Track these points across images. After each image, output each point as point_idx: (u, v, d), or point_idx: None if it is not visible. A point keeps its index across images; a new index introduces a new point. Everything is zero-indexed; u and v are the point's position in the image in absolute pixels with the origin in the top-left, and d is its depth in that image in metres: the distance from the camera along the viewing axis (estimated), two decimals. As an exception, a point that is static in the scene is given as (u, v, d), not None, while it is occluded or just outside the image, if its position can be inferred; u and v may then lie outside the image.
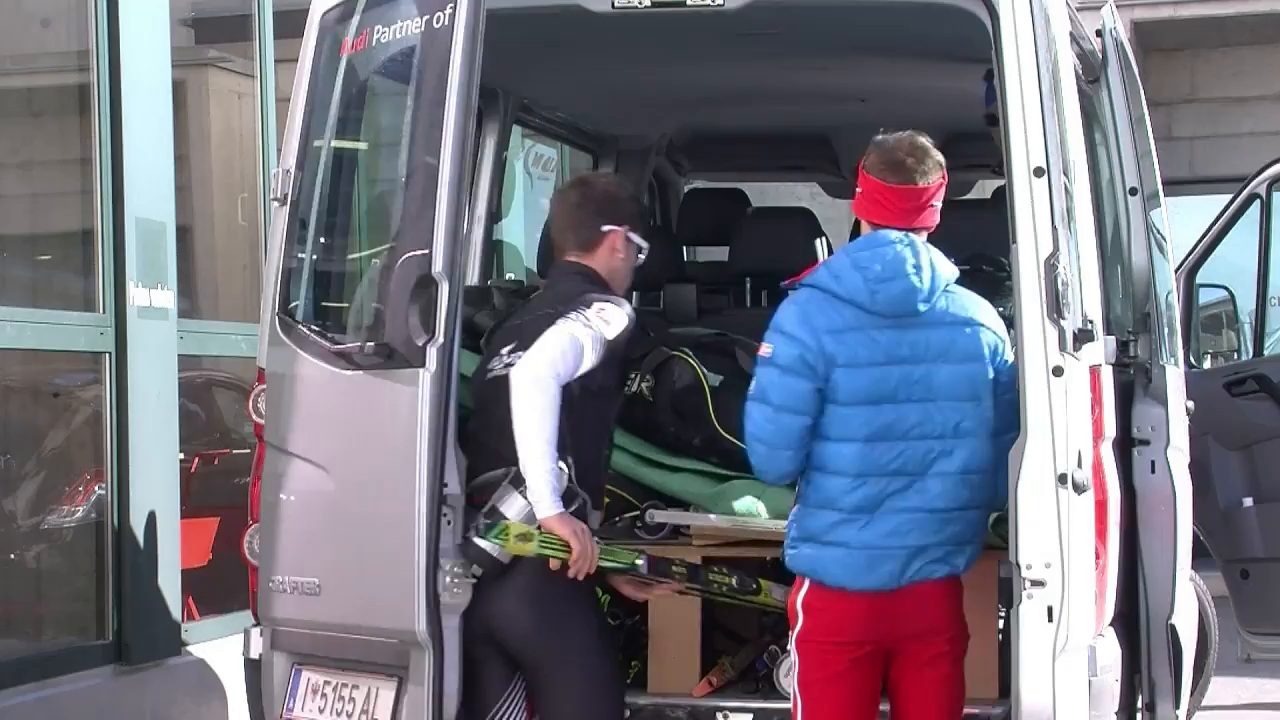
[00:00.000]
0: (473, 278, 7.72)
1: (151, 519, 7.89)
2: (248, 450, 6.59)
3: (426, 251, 5.39)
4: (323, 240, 5.97)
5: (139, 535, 7.82)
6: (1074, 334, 5.25)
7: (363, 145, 6.27)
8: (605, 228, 5.52)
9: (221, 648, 8.04)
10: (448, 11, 5.46)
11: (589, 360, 5.22)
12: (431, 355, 5.36)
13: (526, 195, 13.19)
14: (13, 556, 8.33)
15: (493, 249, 8.03)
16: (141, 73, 7.97)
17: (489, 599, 5.32)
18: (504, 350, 5.47)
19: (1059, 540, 5.20)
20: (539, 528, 5.14)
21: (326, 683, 5.62)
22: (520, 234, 12.52)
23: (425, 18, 5.55)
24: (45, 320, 7.73)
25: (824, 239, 7.83)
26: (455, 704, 5.38)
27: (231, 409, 9.79)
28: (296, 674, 5.69)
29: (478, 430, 5.46)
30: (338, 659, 5.61)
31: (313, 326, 5.81)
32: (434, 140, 5.43)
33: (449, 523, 5.35)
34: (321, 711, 5.60)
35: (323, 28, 5.94)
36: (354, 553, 5.56)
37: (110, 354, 7.81)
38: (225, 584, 8.31)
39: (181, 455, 8.26)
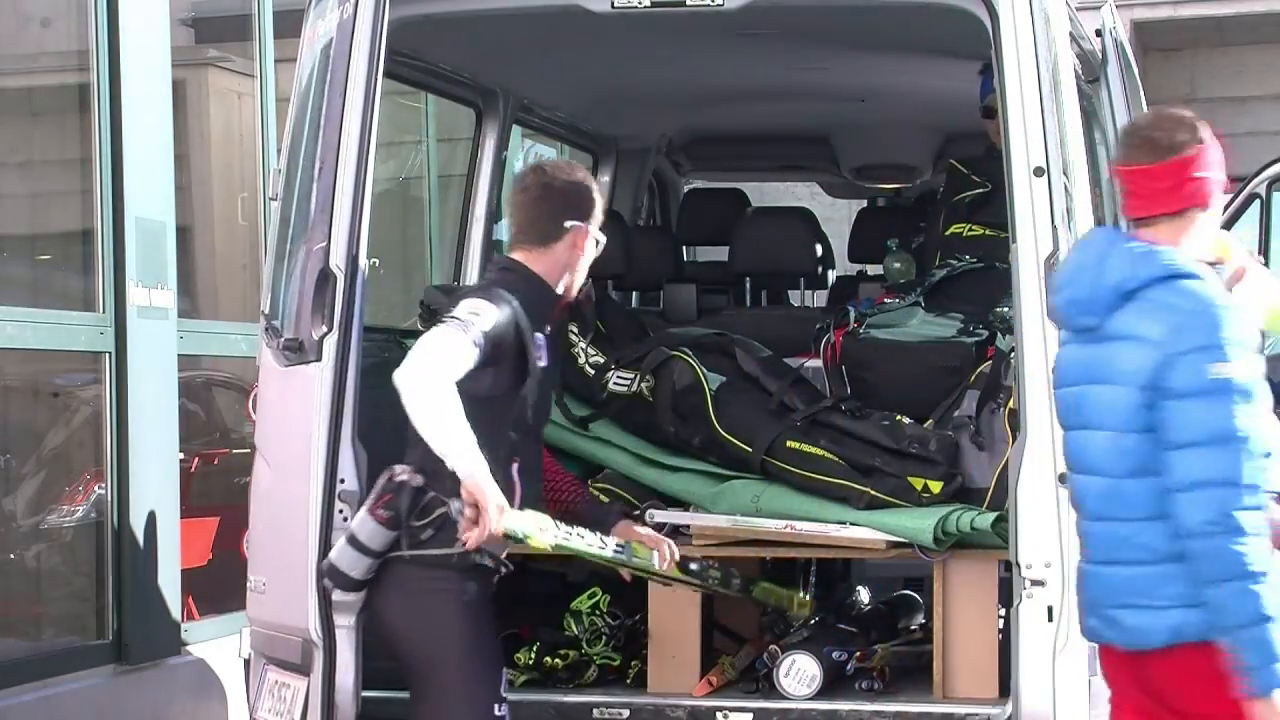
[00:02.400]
0: (473, 278, 7.73)
1: (151, 519, 7.88)
2: (248, 450, 6.59)
3: (325, 244, 5.40)
4: (289, 238, 5.98)
5: (139, 535, 7.82)
6: (1074, 334, 5.25)
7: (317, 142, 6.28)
8: (569, 223, 5.13)
9: (221, 648, 8.03)
10: (351, 3, 5.46)
11: (470, 358, 4.78)
12: (326, 349, 5.34)
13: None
14: (13, 556, 8.33)
15: (492, 249, 8.03)
16: (141, 73, 7.97)
17: (369, 602, 5.14)
18: None
19: (1059, 540, 5.19)
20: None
21: (276, 681, 5.60)
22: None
23: (341, 8, 5.56)
24: (45, 320, 7.72)
25: (824, 239, 7.85)
26: (352, 702, 5.32)
27: (231, 409, 9.79)
28: (264, 673, 5.68)
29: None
30: (277, 658, 5.60)
31: (273, 323, 5.81)
32: (333, 132, 5.43)
33: (345, 519, 5.28)
34: (270, 711, 5.59)
35: (306, 25, 5.96)
36: (282, 551, 5.53)
37: (110, 354, 7.81)
38: (225, 584, 8.30)
39: (181, 455, 8.26)
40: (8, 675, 7.24)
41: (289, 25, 8.65)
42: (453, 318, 4.80)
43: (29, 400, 8.56)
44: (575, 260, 5.16)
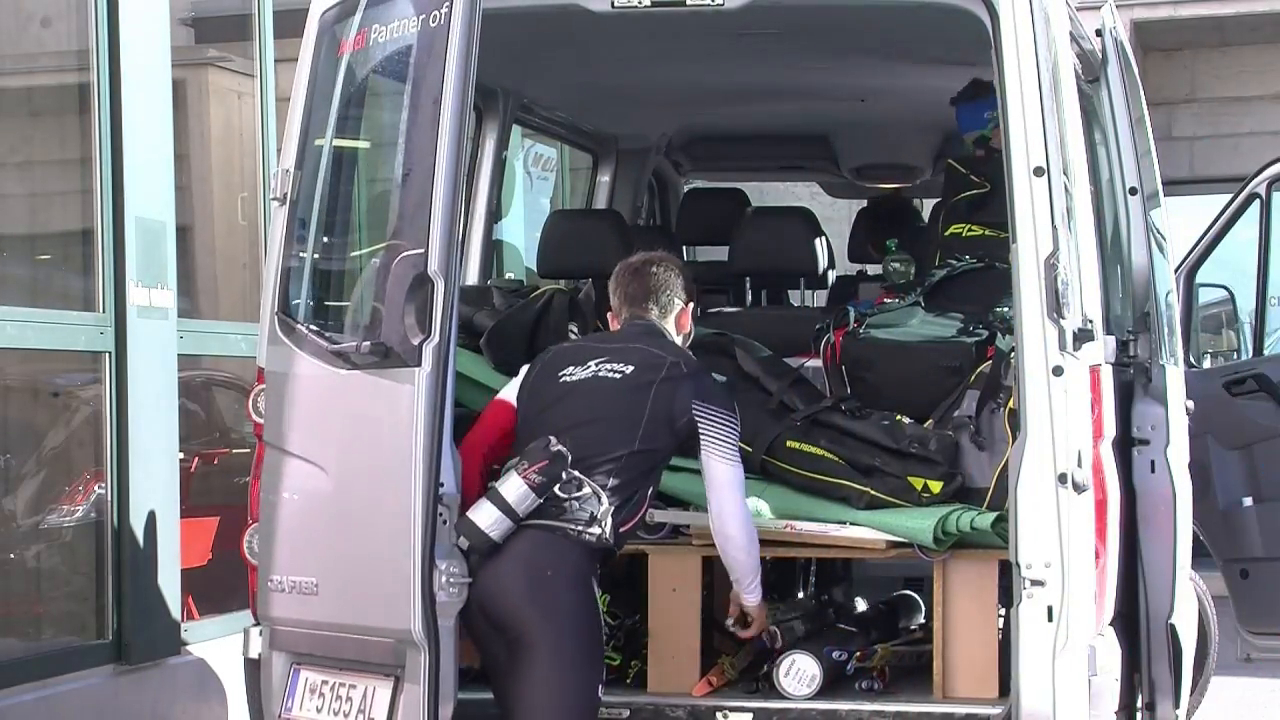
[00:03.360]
0: (472, 277, 7.72)
1: (151, 519, 7.89)
2: (248, 450, 6.59)
3: (422, 251, 5.37)
4: (322, 239, 5.96)
5: (139, 535, 7.82)
6: (1074, 333, 5.25)
7: (361, 144, 6.27)
8: (680, 302, 5.84)
9: (221, 648, 8.04)
10: (444, 10, 5.44)
11: None
12: (427, 354, 5.34)
13: (526, 195, 13.19)
14: (13, 556, 8.33)
15: (492, 249, 8.03)
16: (141, 72, 7.97)
17: (484, 569, 5.35)
18: (592, 362, 5.64)
19: (1059, 540, 5.19)
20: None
21: (324, 682, 5.61)
22: (520, 234, 12.52)
23: (421, 16, 5.54)
24: (45, 320, 7.72)
25: (823, 238, 7.85)
26: (451, 704, 5.37)
27: (231, 409, 9.79)
28: (295, 673, 5.69)
29: (534, 426, 5.54)
30: (335, 658, 5.61)
31: (311, 326, 5.80)
32: (429, 139, 5.41)
33: (444, 522, 5.34)
34: (319, 711, 5.59)
35: (321, 27, 5.94)
36: (351, 552, 5.56)
37: (110, 354, 7.81)
38: (225, 584, 8.31)
39: (181, 455, 8.26)
40: (8, 675, 7.25)
41: (289, 25, 8.65)
42: (735, 440, 5.60)
43: (29, 400, 8.56)
44: (680, 333, 5.85)
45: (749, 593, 5.75)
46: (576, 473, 5.39)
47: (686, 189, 9.57)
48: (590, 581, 5.43)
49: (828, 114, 8.35)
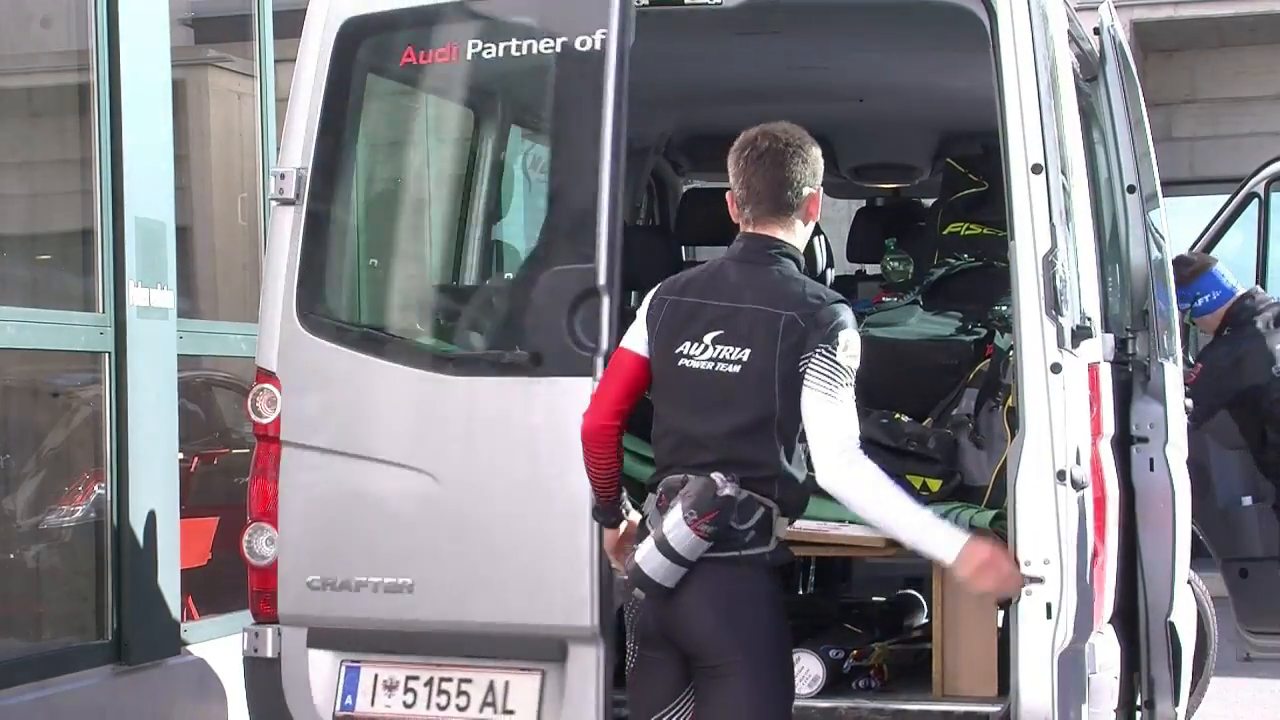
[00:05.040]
0: (471, 278, 7.73)
1: (151, 519, 7.89)
2: (247, 450, 6.58)
3: (589, 265, 5.53)
4: (372, 245, 6.03)
5: (139, 535, 7.82)
6: (1072, 331, 5.26)
7: (447, 157, 6.35)
8: (807, 190, 4.88)
9: (221, 648, 8.04)
10: (597, 36, 5.60)
11: None
12: (598, 365, 5.48)
13: (526, 196, 13.19)
14: (13, 556, 8.33)
15: (492, 249, 8.04)
16: (141, 73, 7.97)
17: (668, 600, 4.90)
18: (708, 338, 4.93)
19: (1058, 537, 5.20)
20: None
21: (412, 677, 5.69)
22: (520, 234, 12.52)
23: (563, 40, 5.69)
24: (45, 320, 7.72)
25: (822, 238, 7.85)
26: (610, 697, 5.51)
27: (231, 409, 9.79)
28: (351, 670, 5.74)
29: (666, 424, 5.00)
30: (433, 653, 5.69)
31: (390, 331, 5.86)
32: (587, 159, 5.56)
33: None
34: (409, 706, 5.68)
35: (342, 33, 5.95)
36: (464, 551, 5.65)
37: (110, 354, 7.81)
38: (225, 584, 8.31)
39: (181, 455, 8.26)
40: (8, 675, 7.25)
41: (289, 25, 8.65)
42: (841, 373, 4.86)
43: (29, 400, 8.57)
44: (807, 234, 5.01)
45: (933, 551, 4.78)
46: (746, 493, 4.83)
47: (686, 189, 9.57)
48: (778, 598, 4.95)
49: (826, 114, 8.33)
